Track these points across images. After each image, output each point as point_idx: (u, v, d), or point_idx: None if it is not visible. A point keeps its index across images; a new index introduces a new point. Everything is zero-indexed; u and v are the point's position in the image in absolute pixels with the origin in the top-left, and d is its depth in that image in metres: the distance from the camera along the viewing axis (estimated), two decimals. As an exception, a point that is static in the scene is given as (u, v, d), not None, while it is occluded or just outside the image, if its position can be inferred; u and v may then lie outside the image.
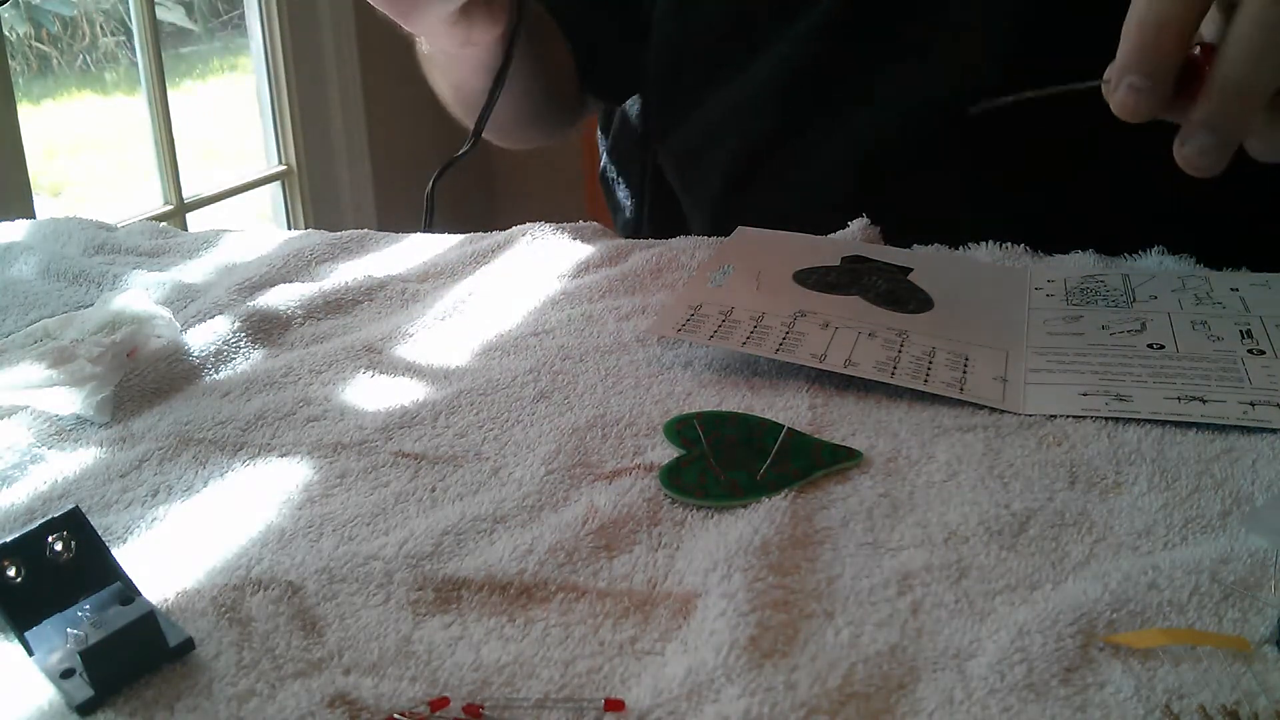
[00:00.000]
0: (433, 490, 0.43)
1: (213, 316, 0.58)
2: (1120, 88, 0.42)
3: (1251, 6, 0.40)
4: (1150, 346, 0.52)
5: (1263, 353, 0.50)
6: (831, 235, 0.67)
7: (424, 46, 0.76)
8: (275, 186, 2.33)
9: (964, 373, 0.50)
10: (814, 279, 0.59)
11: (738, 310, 0.55)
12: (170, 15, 2.17)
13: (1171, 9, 0.41)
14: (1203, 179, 0.44)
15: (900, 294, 0.58)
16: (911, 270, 0.60)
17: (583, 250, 0.68)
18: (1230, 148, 0.42)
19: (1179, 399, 0.47)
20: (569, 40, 0.81)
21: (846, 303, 0.56)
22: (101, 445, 0.47)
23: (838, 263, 0.62)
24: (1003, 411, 0.47)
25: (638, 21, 0.80)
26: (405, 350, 0.55)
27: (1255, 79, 0.40)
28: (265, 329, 0.57)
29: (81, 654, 0.32)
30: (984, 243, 0.65)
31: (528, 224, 0.72)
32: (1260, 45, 0.40)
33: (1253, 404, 0.46)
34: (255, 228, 2.01)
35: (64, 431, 0.48)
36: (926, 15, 0.69)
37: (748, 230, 0.67)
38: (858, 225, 0.66)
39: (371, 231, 0.73)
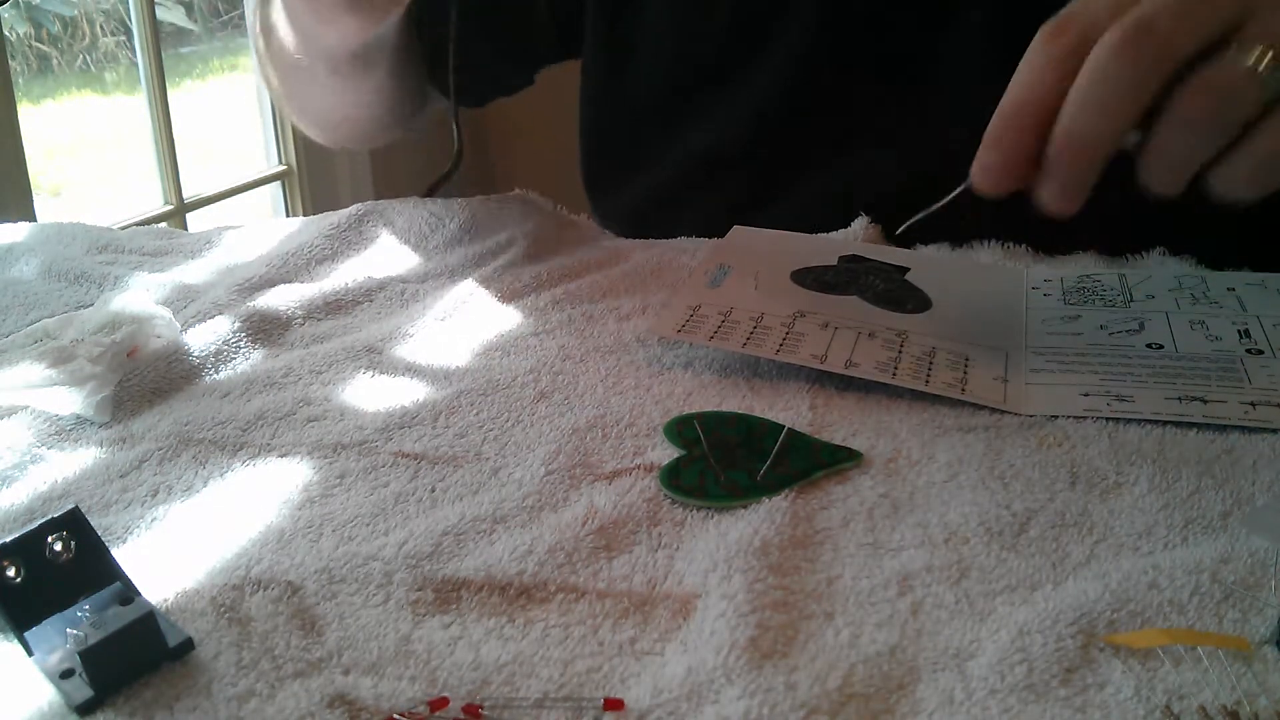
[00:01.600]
0: (432, 490, 0.43)
1: (213, 316, 0.58)
2: (975, 162, 0.45)
3: (1089, 65, 0.42)
4: (1149, 346, 0.52)
5: (1261, 352, 0.50)
6: (831, 234, 0.67)
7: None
8: (275, 186, 2.33)
9: (964, 373, 0.50)
10: (811, 279, 0.59)
11: (737, 311, 0.55)
12: (170, 15, 2.17)
13: (1034, 93, 0.44)
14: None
15: (898, 294, 0.58)
16: (909, 270, 0.60)
17: (583, 250, 0.68)
18: (1078, 193, 0.44)
19: (1180, 399, 0.47)
20: (415, 29, 0.78)
21: (845, 303, 0.56)
22: (101, 445, 0.47)
23: (835, 262, 0.62)
24: (1003, 412, 0.47)
25: (518, 43, 0.78)
26: (405, 350, 0.55)
27: (1089, 131, 0.43)
28: (265, 329, 0.57)
29: (81, 654, 0.32)
30: (986, 242, 0.65)
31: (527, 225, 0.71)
32: (1095, 99, 0.42)
33: (1254, 404, 0.46)
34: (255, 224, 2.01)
35: (64, 431, 0.48)
36: (899, 65, 0.70)
37: (743, 230, 0.67)
38: (859, 225, 0.66)
39: (371, 203, 0.72)
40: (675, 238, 0.71)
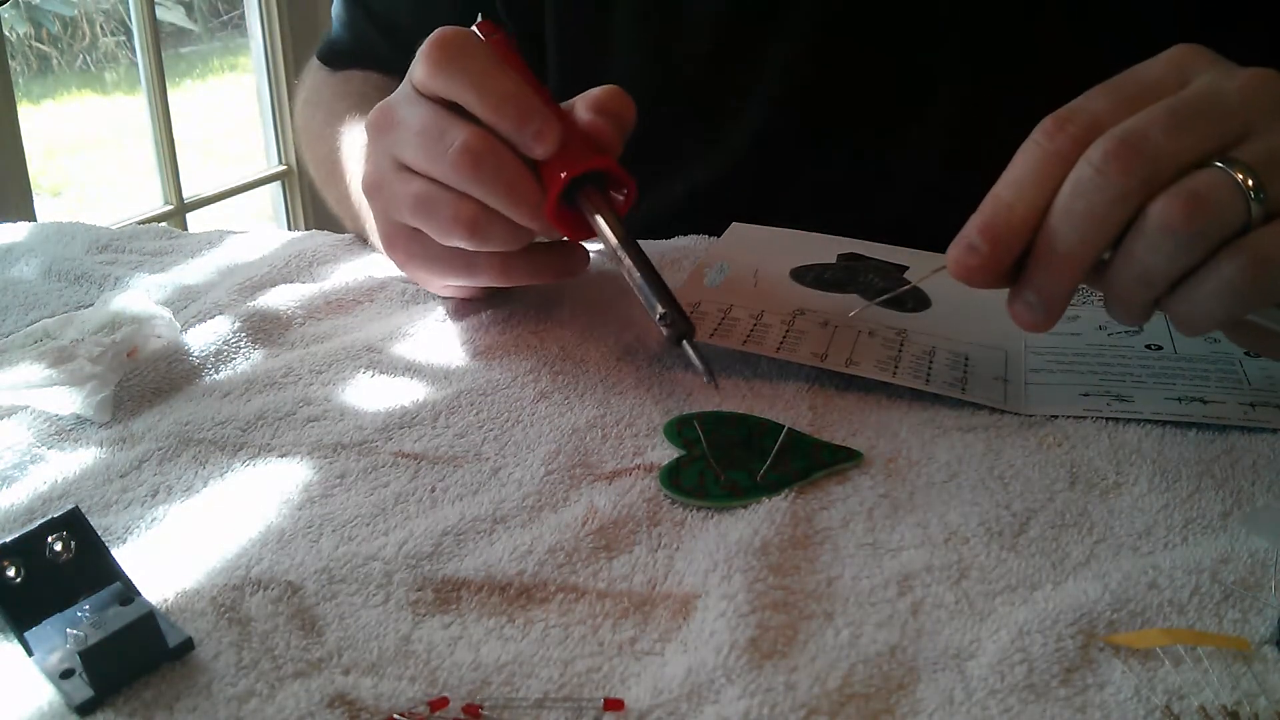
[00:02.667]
0: (432, 490, 0.43)
1: (213, 317, 0.58)
2: (959, 244, 0.43)
3: (1074, 176, 0.40)
4: (1148, 347, 0.52)
5: (1260, 354, 0.50)
6: (836, 235, 0.66)
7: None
8: (275, 186, 2.33)
9: (965, 372, 0.50)
10: (811, 276, 0.59)
11: (736, 308, 0.55)
12: (170, 15, 2.17)
13: (1023, 195, 0.42)
14: None
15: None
16: (907, 269, 0.60)
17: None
18: (1056, 309, 0.43)
19: (1179, 399, 0.47)
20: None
21: (844, 301, 0.56)
22: (101, 445, 0.47)
23: (833, 260, 0.62)
24: (1003, 412, 0.47)
25: None
26: (405, 350, 0.55)
27: (1069, 244, 0.41)
28: (266, 329, 0.57)
29: (81, 654, 0.32)
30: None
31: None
32: (1078, 210, 0.40)
33: (1253, 404, 0.46)
34: (257, 228, 2.01)
35: (64, 431, 0.48)
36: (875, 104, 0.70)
37: (742, 227, 0.67)
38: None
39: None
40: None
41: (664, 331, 0.46)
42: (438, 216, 0.51)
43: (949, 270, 0.43)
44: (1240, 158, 0.39)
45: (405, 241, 0.55)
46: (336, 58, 0.82)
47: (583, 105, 0.51)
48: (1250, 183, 0.38)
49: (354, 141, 0.69)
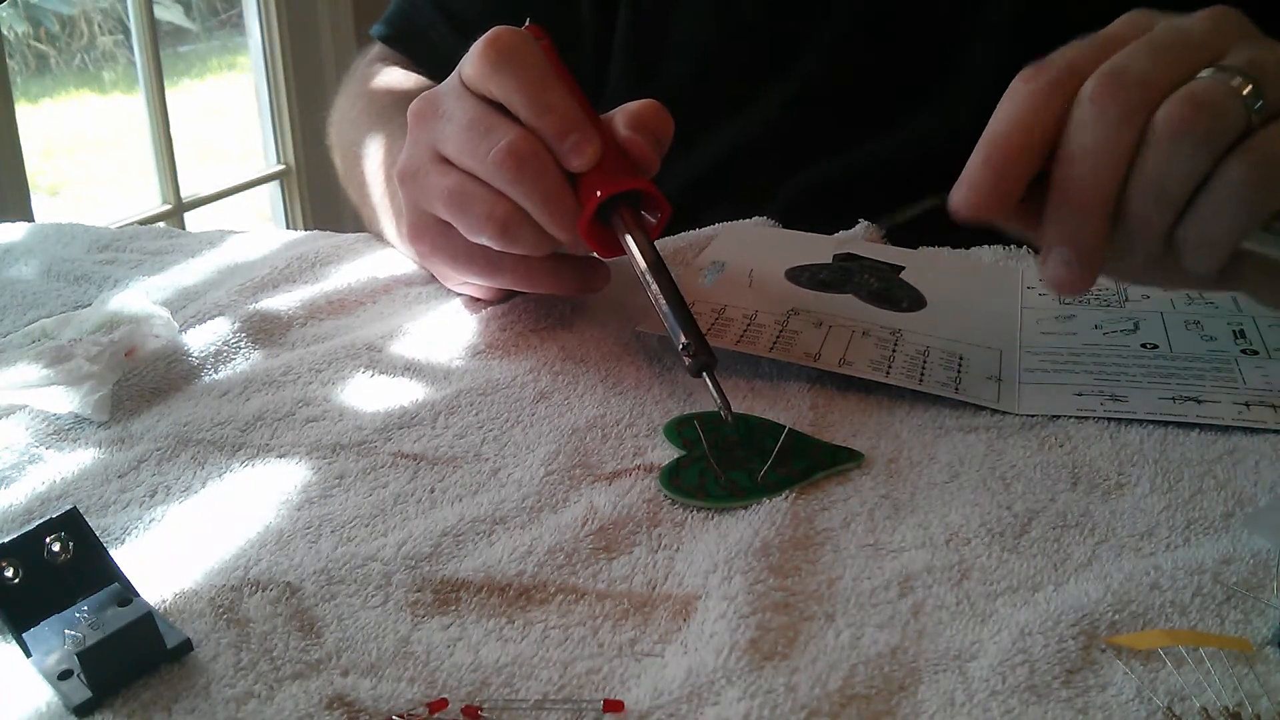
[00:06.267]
0: (432, 491, 0.43)
1: (213, 317, 0.58)
2: (961, 184, 0.43)
3: (1074, 117, 0.41)
4: (1144, 346, 0.52)
5: (1256, 353, 0.50)
6: (834, 235, 0.66)
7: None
8: (274, 186, 2.33)
9: (959, 372, 0.50)
10: (806, 277, 0.59)
11: (730, 308, 0.55)
12: (168, 14, 2.17)
13: (1014, 125, 0.42)
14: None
15: (893, 292, 0.58)
16: (903, 269, 0.60)
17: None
18: (1091, 261, 0.42)
19: (1174, 399, 0.47)
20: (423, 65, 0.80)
21: (839, 301, 0.56)
22: (100, 446, 0.47)
23: (829, 260, 0.61)
24: (1004, 412, 0.47)
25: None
26: (405, 350, 0.55)
27: (1088, 183, 0.41)
28: (265, 329, 0.57)
29: (79, 655, 0.32)
30: (986, 245, 0.65)
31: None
32: (1086, 148, 0.40)
33: (1247, 404, 0.46)
34: (257, 228, 2.01)
35: (62, 431, 0.48)
36: (904, 76, 0.71)
37: (738, 227, 0.67)
38: (860, 229, 0.66)
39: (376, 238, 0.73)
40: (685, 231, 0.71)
41: (686, 362, 0.46)
42: (470, 212, 0.51)
43: (956, 210, 0.43)
44: (1229, 64, 0.40)
45: (433, 234, 0.55)
46: (391, 36, 0.82)
47: (622, 120, 0.51)
48: (1248, 88, 0.39)
49: (384, 139, 0.69)
